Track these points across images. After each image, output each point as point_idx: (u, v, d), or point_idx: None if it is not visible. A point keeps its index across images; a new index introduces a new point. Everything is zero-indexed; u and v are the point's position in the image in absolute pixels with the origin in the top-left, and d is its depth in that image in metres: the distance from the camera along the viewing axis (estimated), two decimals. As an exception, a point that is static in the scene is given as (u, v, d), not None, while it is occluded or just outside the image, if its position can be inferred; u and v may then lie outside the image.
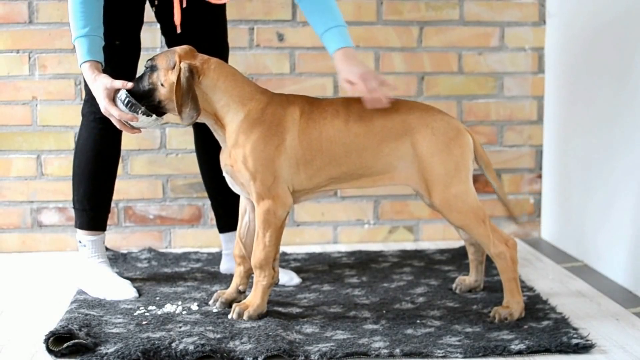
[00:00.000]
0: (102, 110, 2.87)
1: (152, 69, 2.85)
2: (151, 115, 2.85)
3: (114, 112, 2.84)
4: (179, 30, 3.04)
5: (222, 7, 3.26)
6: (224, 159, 2.91)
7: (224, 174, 2.94)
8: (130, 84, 2.84)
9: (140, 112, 2.83)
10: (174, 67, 2.81)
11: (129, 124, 2.87)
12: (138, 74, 3.05)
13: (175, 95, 2.78)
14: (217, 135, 2.94)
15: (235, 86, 2.87)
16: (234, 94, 2.86)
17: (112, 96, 2.85)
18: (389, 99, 2.86)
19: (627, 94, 3.32)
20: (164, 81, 2.82)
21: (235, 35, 3.84)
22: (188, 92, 2.78)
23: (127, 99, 2.82)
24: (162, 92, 2.83)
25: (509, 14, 4.03)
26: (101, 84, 2.85)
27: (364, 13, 3.95)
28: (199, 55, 2.87)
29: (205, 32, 3.19)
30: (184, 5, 3.04)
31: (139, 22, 3.18)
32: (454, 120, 2.92)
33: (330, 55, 2.97)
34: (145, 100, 2.84)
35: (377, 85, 2.85)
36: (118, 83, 2.83)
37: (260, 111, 2.85)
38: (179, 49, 2.86)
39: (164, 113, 2.89)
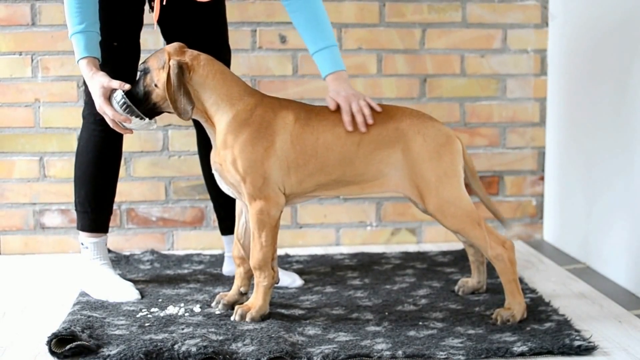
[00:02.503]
0: (97, 108, 2.89)
1: (145, 71, 2.86)
2: (144, 119, 2.86)
3: (108, 112, 2.85)
4: (155, 27, 3.03)
5: (222, 8, 3.26)
6: (214, 158, 2.92)
7: (213, 171, 2.95)
8: (127, 86, 2.84)
9: (134, 115, 2.84)
10: (164, 66, 2.82)
11: (122, 124, 2.88)
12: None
13: (167, 92, 2.79)
14: (209, 132, 2.95)
15: (224, 85, 2.87)
16: (222, 93, 2.86)
17: (108, 95, 2.86)
18: (367, 124, 2.88)
19: (630, 95, 3.32)
20: (157, 81, 2.83)
21: (237, 37, 3.85)
22: (179, 87, 2.79)
23: (123, 101, 2.83)
24: (158, 93, 2.84)
25: (511, 16, 4.03)
26: (98, 82, 2.86)
27: (366, 15, 3.95)
28: (188, 52, 2.87)
29: (206, 34, 3.19)
30: (164, 2, 3.03)
31: (139, 24, 3.18)
32: (444, 127, 2.93)
33: (322, 77, 3.04)
34: (143, 105, 2.85)
35: (358, 108, 2.88)
36: (115, 83, 2.84)
37: (248, 112, 2.85)
38: (169, 47, 2.87)
39: (160, 114, 2.90)
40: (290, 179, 2.87)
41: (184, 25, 3.14)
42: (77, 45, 2.91)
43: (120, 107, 2.83)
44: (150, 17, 3.20)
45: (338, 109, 2.92)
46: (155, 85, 2.84)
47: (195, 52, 2.89)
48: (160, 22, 3.23)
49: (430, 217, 3.99)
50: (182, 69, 2.81)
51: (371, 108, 2.91)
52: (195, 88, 2.85)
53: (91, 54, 2.91)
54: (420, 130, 2.88)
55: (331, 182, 2.90)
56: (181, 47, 2.88)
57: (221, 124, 2.86)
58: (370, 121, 2.87)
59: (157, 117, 2.93)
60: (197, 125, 3.31)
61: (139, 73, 2.88)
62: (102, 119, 3.09)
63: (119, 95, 2.84)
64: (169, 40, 3.23)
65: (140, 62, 2.89)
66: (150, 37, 3.63)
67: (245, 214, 3.02)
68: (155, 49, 3.73)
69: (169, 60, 2.81)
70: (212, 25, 3.22)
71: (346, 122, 2.87)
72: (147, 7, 3.20)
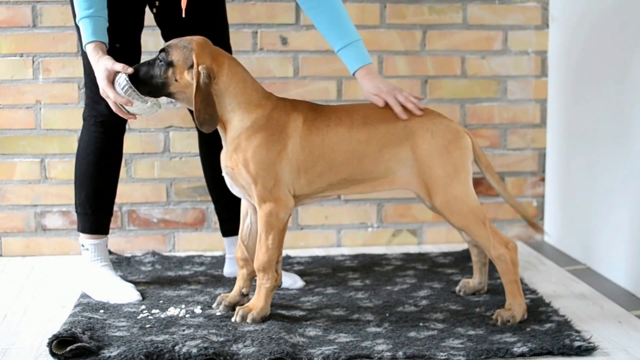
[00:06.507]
0: (100, 91, 2.88)
1: (167, 63, 2.81)
2: (147, 102, 2.86)
3: (110, 94, 2.85)
4: (184, 15, 3.03)
5: (223, 9, 3.26)
6: (224, 161, 2.91)
7: (224, 174, 2.95)
8: (130, 69, 2.83)
9: (136, 98, 2.83)
10: (191, 67, 2.80)
11: (124, 108, 2.88)
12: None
13: (194, 103, 2.77)
14: (221, 134, 2.93)
15: (245, 92, 2.86)
16: (241, 101, 2.85)
17: (112, 78, 2.85)
18: (419, 107, 2.92)
19: (630, 97, 3.32)
20: (179, 78, 2.81)
21: (238, 39, 3.85)
22: (207, 99, 2.77)
23: (125, 84, 2.82)
24: (175, 85, 2.82)
25: (512, 17, 4.03)
26: (103, 65, 2.85)
27: (367, 16, 3.96)
28: (213, 53, 2.84)
29: (206, 35, 3.19)
30: None
31: (140, 26, 3.19)
32: (453, 123, 2.93)
33: (351, 73, 3.03)
34: (155, 91, 2.83)
35: (405, 99, 2.91)
36: (118, 66, 2.83)
37: (265, 117, 2.84)
38: (195, 44, 2.82)
39: (167, 96, 2.89)
40: (300, 181, 2.87)
41: (184, 26, 3.14)
42: (85, 30, 2.90)
43: (122, 90, 2.83)
44: (151, 19, 3.21)
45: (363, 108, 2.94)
46: (176, 80, 2.82)
47: (220, 55, 2.86)
48: (159, 24, 3.23)
49: (431, 218, 4.03)
50: (210, 78, 2.79)
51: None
52: (216, 94, 2.83)
53: (98, 38, 2.91)
54: (429, 127, 2.89)
55: (341, 181, 2.90)
56: (207, 44, 2.85)
57: (236, 130, 2.85)
58: (421, 106, 2.91)
59: (159, 112, 2.91)
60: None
61: (158, 60, 2.83)
62: (103, 121, 3.10)
63: (121, 78, 2.83)
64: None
65: (161, 48, 2.85)
66: (151, 39, 3.63)
67: (251, 215, 3.02)
68: (155, 50, 3.73)
69: (197, 64, 2.79)
70: (213, 26, 3.22)
71: (399, 113, 2.90)
72: (148, 9, 3.21)
